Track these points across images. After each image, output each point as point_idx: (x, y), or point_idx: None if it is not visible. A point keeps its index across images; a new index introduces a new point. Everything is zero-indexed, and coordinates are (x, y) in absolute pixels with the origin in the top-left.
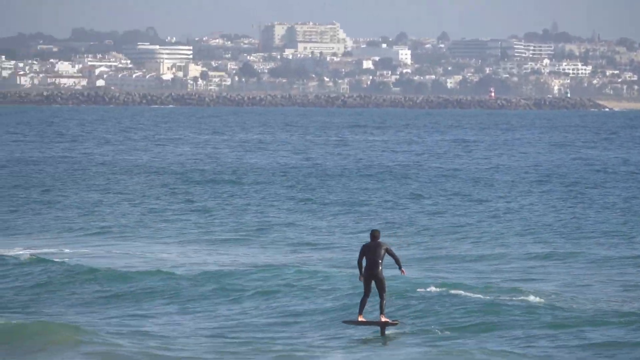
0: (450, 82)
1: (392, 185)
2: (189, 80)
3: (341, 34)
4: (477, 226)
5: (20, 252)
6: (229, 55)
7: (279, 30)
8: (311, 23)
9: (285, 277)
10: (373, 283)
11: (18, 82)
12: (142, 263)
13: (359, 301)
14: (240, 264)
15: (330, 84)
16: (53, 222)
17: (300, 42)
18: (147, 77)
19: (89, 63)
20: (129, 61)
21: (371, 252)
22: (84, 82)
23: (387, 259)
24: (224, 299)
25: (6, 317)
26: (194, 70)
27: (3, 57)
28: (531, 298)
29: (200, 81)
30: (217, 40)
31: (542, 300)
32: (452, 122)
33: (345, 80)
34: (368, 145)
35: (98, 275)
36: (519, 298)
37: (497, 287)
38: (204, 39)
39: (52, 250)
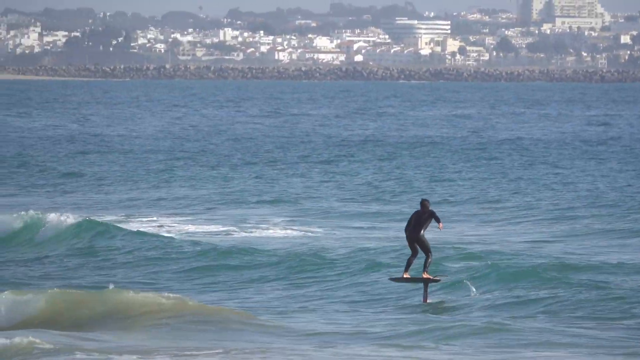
0: None
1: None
2: (446, 55)
3: (599, 8)
4: None
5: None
6: (487, 29)
7: (537, 5)
8: None
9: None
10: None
11: (276, 58)
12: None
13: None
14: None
15: (588, 58)
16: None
17: (558, 16)
18: (405, 52)
19: (347, 38)
20: (387, 36)
21: (417, 219)
22: (342, 57)
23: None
24: None
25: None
26: (452, 45)
27: (262, 32)
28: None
29: (458, 56)
30: (475, 15)
31: None
32: None
33: (603, 55)
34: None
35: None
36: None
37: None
38: (462, 13)
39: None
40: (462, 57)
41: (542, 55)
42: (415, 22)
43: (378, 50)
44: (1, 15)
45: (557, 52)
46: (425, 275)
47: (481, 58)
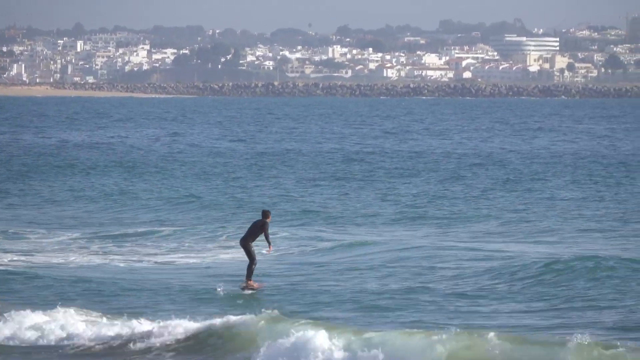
0: None
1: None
2: (555, 72)
3: None
4: None
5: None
6: (596, 46)
7: None
8: None
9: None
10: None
11: (385, 75)
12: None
13: None
14: None
15: None
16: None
17: None
18: (514, 68)
19: (456, 55)
20: (495, 53)
21: (251, 228)
22: (450, 74)
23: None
24: None
25: None
26: (561, 61)
27: (370, 49)
28: None
29: (566, 73)
30: (584, 32)
31: None
32: None
33: None
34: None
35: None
36: None
37: None
38: (571, 30)
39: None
40: (571, 73)
41: None
42: (524, 38)
43: (486, 67)
44: (111, 33)
45: None
46: (247, 283)
47: (589, 75)
